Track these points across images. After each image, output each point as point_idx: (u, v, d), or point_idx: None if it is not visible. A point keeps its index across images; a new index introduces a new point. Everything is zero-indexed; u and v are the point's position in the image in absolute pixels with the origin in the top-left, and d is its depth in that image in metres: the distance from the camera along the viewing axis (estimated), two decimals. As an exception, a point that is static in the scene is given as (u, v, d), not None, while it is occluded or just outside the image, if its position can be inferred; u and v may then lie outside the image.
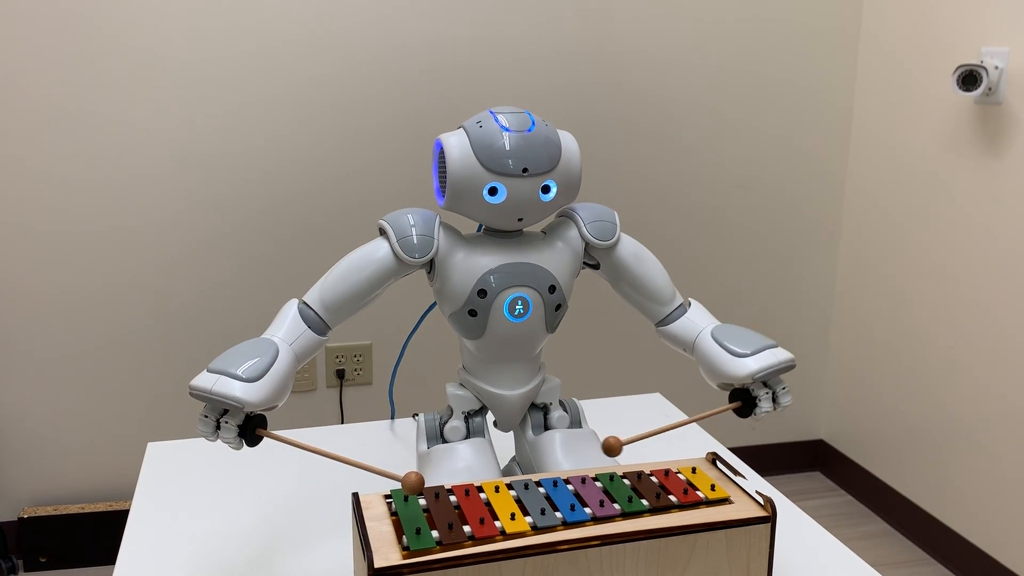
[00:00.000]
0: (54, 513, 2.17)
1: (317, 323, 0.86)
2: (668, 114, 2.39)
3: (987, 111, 2.05)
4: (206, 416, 0.77)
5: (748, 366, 0.87)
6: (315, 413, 2.35)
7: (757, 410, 0.88)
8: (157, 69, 2.07)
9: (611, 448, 0.79)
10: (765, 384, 0.89)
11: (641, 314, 0.96)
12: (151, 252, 2.16)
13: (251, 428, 0.78)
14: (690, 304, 0.95)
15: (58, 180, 2.08)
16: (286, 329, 0.84)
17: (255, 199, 2.19)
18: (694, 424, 1.21)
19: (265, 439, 1.07)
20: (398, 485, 1.06)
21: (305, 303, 0.86)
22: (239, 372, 0.76)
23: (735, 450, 2.68)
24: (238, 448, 0.77)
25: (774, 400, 0.89)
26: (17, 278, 2.10)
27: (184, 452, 1.16)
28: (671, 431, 1.16)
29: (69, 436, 2.21)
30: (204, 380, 0.76)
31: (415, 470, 0.75)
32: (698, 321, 0.93)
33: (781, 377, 0.89)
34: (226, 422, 0.76)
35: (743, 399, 0.89)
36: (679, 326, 0.94)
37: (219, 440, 0.86)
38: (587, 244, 0.91)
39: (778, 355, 0.88)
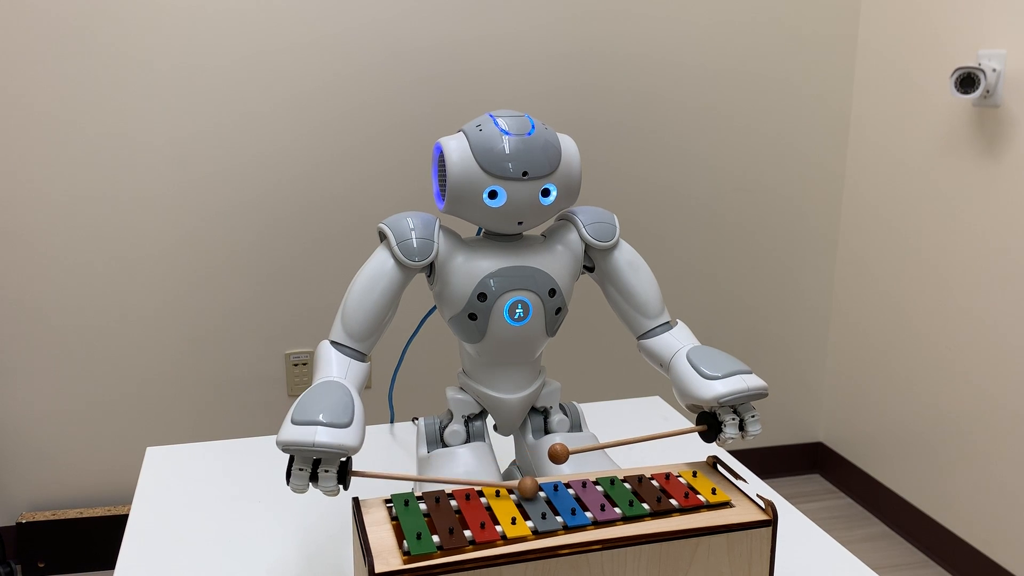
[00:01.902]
0: (52, 518, 2.17)
1: (354, 355, 0.85)
2: (667, 117, 2.39)
3: (985, 113, 2.06)
4: (301, 469, 0.74)
5: (715, 389, 0.83)
6: (314, 417, 2.34)
7: (721, 435, 0.85)
8: (155, 78, 2.07)
9: (556, 455, 0.78)
10: (734, 410, 0.85)
11: (625, 324, 0.94)
12: (149, 258, 2.16)
13: (345, 471, 0.76)
14: (676, 323, 0.93)
15: (58, 186, 2.07)
16: (336, 368, 0.83)
17: (255, 205, 2.19)
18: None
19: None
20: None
21: (334, 342, 0.85)
22: (332, 420, 0.74)
23: (734, 453, 2.68)
24: (336, 494, 0.75)
25: (741, 427, 0.85)
26: (16, 284, 2.10)
27: (183, 457, 1.16)
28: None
29: (68, 441, 2.21)
30: (299, 434, 0.73)
31: (530, 476, 0.75)
32: (679, 340, 0.90)
33: (753, 405, 0.86)
34: (325, 471, 0.74)
35: (709, 423, 0.86)
36: (660, 342, 0.91)
37: (311, 489, 0.84)
38: (586, 245, 0.91)
39: (748, 381, 0.84)
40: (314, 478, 0.75)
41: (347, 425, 0.75)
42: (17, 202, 2.06)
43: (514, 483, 0.77)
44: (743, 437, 0.85)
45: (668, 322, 0.93)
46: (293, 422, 0.74)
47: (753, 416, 0.85)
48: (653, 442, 1.18)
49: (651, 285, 0.93)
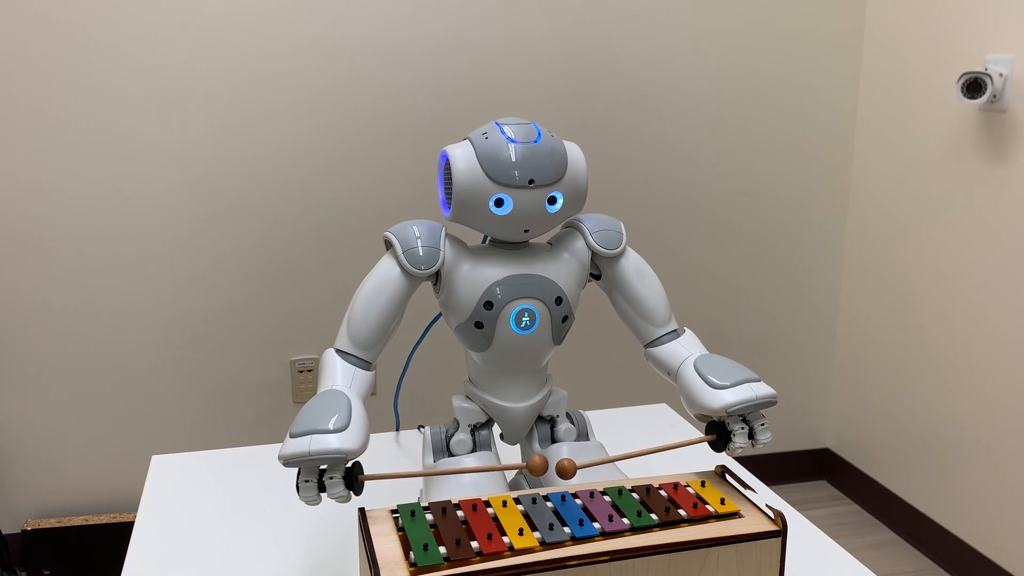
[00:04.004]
0: (58, 525, 2.17)
1: (359, 363, 0.85)
2: (673, 121, 2.39)
3: (991, 118, 2.05)
4: (307, 480, 0.74)
5: (724, 398, 0.82)
6: (319, 424, 2.34)
7: (731, 445, 0.84)
8: (160, 80, 2.07)
9: (564, 471, 0.77)
10: (744, 419, 0.85)
11: (632, 332, 0.94)
12: (154, 263, 2.16)
13: (354, 477, 0.76)
14: (683, 331, 0.92)
15: (61, 191, 2.07)
16: (340, 376, 0.83)
17: (259, 210, 2.19)
18: (699, 435, 1.20)
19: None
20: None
21: (340, 350, 0.85)
22: (328, 426, 0.74)
23: (740, 459, 2.67)
24: (348, 500, 0.75)
25: (751, 436, 0.85)
26: (20, 290, 2.10)
27: (188, 465, 1.15)
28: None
29: (73, 448, 2.20)
30: (296, 445, 0.73)
31: (538, 453, 0.74)
32: (686, 349, 0.90)
33: (762, 412, 0.85)
34: (331, 478, 0.74)
35: (719, 432, 0.86)
36: (667, 350, 0.91)
37: (325, 499, 0.83)
38: (593, 253, 0.91)
39: (757, 390, 0.83)
40: (324, 488, 0.75)
41: (343, 429, 0.75)
42: (21, 210, 2.07)
43: (522, 465, 0.76)
44: (752, 446, 0.85)
45: (675, 330, 0.93)
46: (291, 435, 0.75)
47: (763, 424, 0.84)
48: (659, 453, 1.17)
49: (658, 293, 0.92)
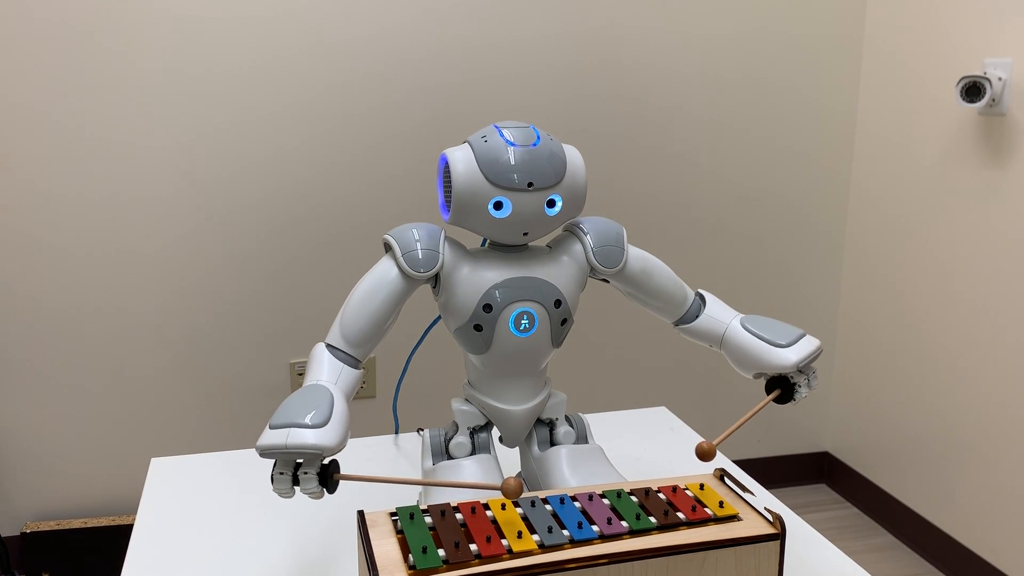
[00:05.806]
0: (57, 528, 2.17)
1: (348, 360, 0.85)
2: (672, 126, 2.39)
3: (991, 122, 2.05)
4: (282, 473, 0.75)
5: (789, 357, 0.90)
6: (318, 427, 2.34)
7: (797, 395, 0.92)
8: (159, 83, 2.08)
9: (705, 453, 0.80)
10: (799, 370, 0.92)
11: (656, 316, 0.98)
12: (154, 265, 2.16)
13: (329, 474, 0.76)
14: (704, 299, 0.97)
15: (62, 193, 2.08)
16: (326, 372, 0.83)
17: (259, 213, 2.19)
18: (698, 439, 1.21)
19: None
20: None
21: (330, 345, 0.85)
22: (307, 421, 0.75)
23: (739, 462, 2.67)
24: (320, 497, 0.76)
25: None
26: (21, 293, 2.10)
27: (188, 467, 1.15)
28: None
29: (72, 451, 2.20)
30: (274, 437, 0.74)
31: (513, 476, 0.74)
32: (721, 316, 0.96)
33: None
34: (304, 472, 0.75)
35: (782, 387, 0.93)
36: (702, 323, 0.96)
37: (298, 494, 0.83)
38: (593, 268, 0.91)
39: (812, 343, 0.92)
40: (298, 482, 0.75)
41: (321, 425, 0.75)
42: (22, 213, 2.07)
43: (497, 484, 0.76)
44: (808, 392, 0.93)
45: (695, 300, 0.97)
46: (270, 427, 0.75)
47: (814, 373, 0.93)
48: (659, 456, 1.17)
49: (669, 280, 0.95)
